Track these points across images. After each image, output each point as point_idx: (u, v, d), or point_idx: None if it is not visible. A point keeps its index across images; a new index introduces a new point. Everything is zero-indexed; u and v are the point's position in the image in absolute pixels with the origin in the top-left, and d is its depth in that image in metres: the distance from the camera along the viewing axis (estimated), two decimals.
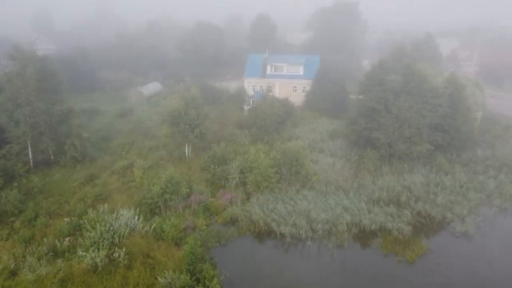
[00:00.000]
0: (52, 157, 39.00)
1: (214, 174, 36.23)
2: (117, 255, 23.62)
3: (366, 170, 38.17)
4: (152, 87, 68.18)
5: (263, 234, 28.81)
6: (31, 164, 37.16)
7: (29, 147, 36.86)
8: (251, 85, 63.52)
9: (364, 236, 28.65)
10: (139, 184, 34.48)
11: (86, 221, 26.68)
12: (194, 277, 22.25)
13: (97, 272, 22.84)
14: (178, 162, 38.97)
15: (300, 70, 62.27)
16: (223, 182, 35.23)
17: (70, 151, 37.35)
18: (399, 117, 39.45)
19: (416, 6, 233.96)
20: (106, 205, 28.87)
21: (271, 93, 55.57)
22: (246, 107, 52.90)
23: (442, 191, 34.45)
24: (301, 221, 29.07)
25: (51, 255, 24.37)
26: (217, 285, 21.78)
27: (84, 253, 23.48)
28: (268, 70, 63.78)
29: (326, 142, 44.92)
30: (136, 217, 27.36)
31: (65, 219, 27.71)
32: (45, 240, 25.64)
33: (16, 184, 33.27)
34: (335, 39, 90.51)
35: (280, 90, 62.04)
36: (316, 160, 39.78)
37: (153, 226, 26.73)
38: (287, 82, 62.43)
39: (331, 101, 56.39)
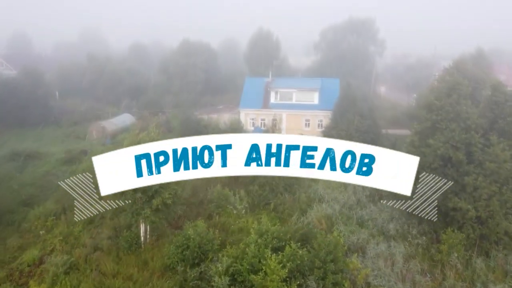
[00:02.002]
0: None
1: (185, 283, 20.18)
2: None
3: (448, 266, 22.21)
4: (121, 121, 52.84)
5: None
6: None
7: None
8: (250, 118, 48.27)
9: None
10: None
11: None
12: None
13: None
14: (126, 254, 22.84)
15: (315, 98, 47.14)
16: None
17: None
18: (496, 173, 23.82)
19: (415, 28, 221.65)
20: None
21: (277, 129, 40.12)
22: None
23: None
24: None
25: None
26: None
27: None
28: (272, 98, 48.65)
29: (367, 207, 29.16)
30: None
31: None
32: None
33: None
34: (347, 62, 76.35)
35: (289, 124, 46.68)
36: (360, 244, 23.92)
37: None
38: (298, 114, 47.13)
39: (359, 140, 40.76)
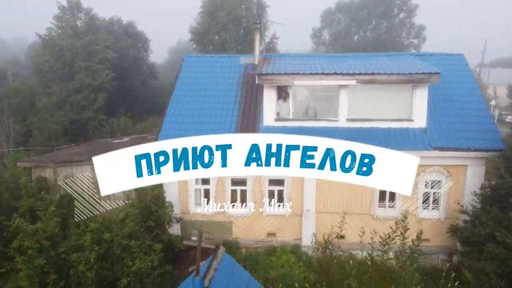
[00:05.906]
0: None
1: None
2: None
3: None
4: None
5: None
6: None
7: None
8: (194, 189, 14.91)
9: None
10: None
11: None
12: None
13: None
14: None
15: (416, 109, 14.30)
16: None
17: None
18: None
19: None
20: None
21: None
22: None
23: None
24: None
25: None
26: None
27: None
28: (267, 112, 15.46)
29: None
30: None
31: None
32: None
33: None
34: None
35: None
36: None
37: None
38: None
39: None
